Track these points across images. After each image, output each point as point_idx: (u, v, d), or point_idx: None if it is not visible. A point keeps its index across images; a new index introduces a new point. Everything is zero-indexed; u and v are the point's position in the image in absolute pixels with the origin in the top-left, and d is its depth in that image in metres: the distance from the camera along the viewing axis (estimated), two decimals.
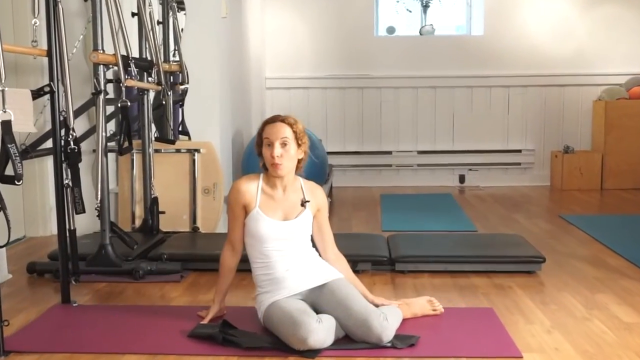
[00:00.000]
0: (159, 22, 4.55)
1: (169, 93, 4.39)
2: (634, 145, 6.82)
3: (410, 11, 7.59)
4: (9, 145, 2.51)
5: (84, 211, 3.13)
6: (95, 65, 3.42)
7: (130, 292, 3.37)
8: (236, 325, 2.68)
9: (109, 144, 3.78)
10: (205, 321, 2.78)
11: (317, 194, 2.85)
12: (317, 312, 2.59)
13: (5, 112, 2.51)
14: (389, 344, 2.52)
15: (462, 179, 7.25)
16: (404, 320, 2.76)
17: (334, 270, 2.79)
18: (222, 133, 5.02)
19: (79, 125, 3.74)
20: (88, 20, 3.63)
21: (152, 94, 4.38)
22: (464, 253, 3.79)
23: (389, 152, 7.28)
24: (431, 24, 7.44)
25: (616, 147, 6.83)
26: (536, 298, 3.22)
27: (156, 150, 4.48)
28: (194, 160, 4.59)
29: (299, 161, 2.78)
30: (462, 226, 5.05)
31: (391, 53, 7.29)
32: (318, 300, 2.65)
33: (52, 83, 2.99)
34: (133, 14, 4.24)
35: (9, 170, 2.53)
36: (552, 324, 2.83)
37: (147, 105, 4.25)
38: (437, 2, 7.54)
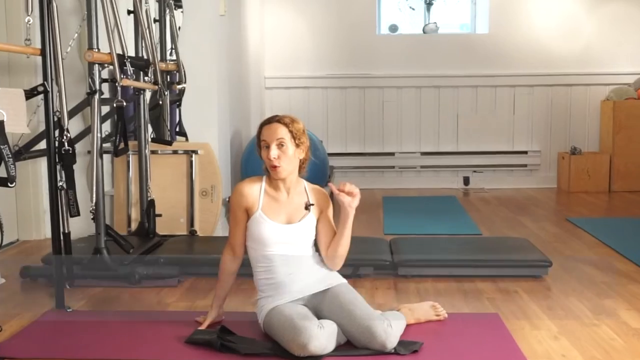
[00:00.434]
0: (155, 20, 4.55)
1: (166, 93, 4.40)
2: None
3: (413, 9, 7.60)
4: (2, 147, 2.51)
5: (78, 214, 3.13)
6: (90, 64, 3.42)
7: (126, 297, 3.37)
8: (235, 331, 2.68)
9: (104, 145, 3.78)
10: (203, 327, 2.79)
11: (321, 197, 2.84)
12: (319, 317, 2.59)
13: None
14: (392, 351, 2.52)
15: (466, 181, 7.25)
16: (407, 326, 2.76)
17: (337, 275, 2.79)
18: (221, 134, 5.02)
19: (74, 126, 3.74)
20: (83, 18, 3.63)
21: (148, 94, 4.38)
22: (468, 257, 3.79)
23: (392, 154, 7.29)
24: (435, 22, 7.44)
25: (625, 148, 6.83)
26: (543, 303, 3.21)
27: (153, 152, 4.48)
28: (191, 162, 4.59)
29: (301, 162, 2.77)
30: (467, 229, 5.06)
31: (394, 52, 7.29)
32: (320, 305, 2.65)
33: (45, 82, 3.00)
34: (129, 12, 4.25)
35: (2, 172, 2.53)
36: (559, 330, 2.83)
37: (143, 106, 4.25)
38: None
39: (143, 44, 4.14)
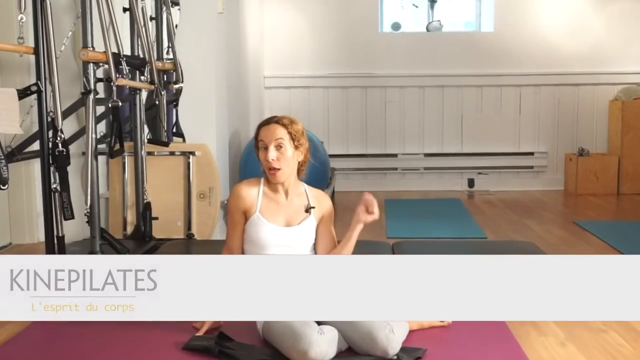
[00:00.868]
0: (151, 18, 4.56)
1: (163, 92, 4.40)
2: None
3: (416, 6, 7.61)
4: None
5: (72, 217, 3.13)
6: (85, 64, 3.43)
7: None
8: (233, 337, 2.68)
9: (99, 146, 3.79)
10: (200, 333, 2.78)
11: (322, 202, 2.84)
12: (320, 323, 2.58)
13: None
14: (395, 357, 2.51)
15: (471, 183, 7.25)
16: (410, 332, 2.76)
17: None
18: (219, 135, 5.02)
19: (68, 127, 3.74)
20: (77, 15, 3.63)
21: (144, 94, 4.39)
22: None
23: (394, 155, 7.29)
24: (439, 20, 7.45)
25: (633, 150, 6.83)
26: None
27: (149, 153, 4.47)
28: (188, 164, 4.59)
29: (300, 165, 2.77)
30: (471, 233, 5.06)
31: (396, 50, 7.30)
32: None
33: (39, 82, 3.00)
34: (124, 9, 4.25)
35: None
36: (566, 336, 2.83)
37: (139, 106, 4.25)
38: None
39: (139, 43, 4.15)
